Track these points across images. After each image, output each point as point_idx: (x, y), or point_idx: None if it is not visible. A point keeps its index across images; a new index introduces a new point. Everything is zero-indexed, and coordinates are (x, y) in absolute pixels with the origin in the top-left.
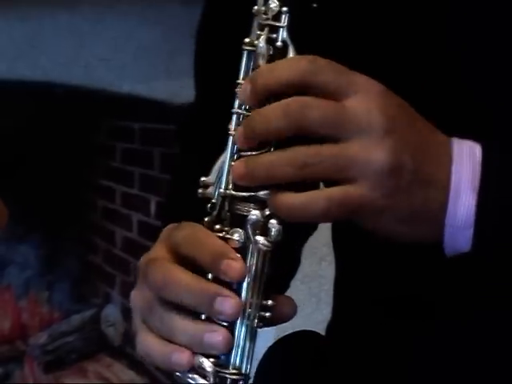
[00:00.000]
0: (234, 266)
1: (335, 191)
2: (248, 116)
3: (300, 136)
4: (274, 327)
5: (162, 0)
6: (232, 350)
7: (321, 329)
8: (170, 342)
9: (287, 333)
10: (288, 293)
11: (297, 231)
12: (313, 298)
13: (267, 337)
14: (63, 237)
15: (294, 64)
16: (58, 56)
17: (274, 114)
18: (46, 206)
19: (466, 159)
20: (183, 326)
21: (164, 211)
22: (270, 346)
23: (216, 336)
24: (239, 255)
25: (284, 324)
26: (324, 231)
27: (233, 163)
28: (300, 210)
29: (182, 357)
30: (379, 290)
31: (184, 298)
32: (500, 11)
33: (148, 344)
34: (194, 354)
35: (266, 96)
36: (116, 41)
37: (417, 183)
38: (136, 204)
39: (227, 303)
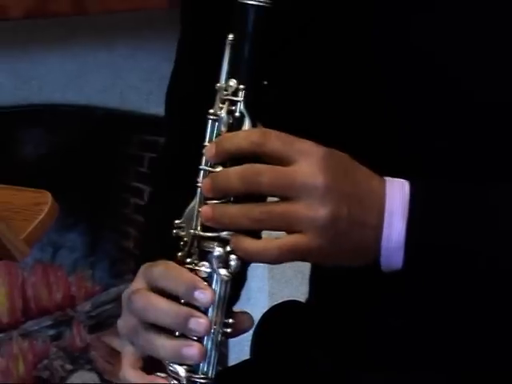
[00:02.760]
0: (205, 293)
1: (286, 241)
2: (211, 172)
3: None
4: (268, 297)
5: None
6: None
7: (304, 298)
8: (153, 358)
9: (279, 302)
10: (279, 271)
11: None
12: (298, 274)
13: (262, 304)
14: (103, 227)
15: (248, 136)
16: (99, 85)
17: (233, 177)
18: (90, 203)
19: (396, 192)
20: (163, 343)
21: (141, 249)
22: (265, 312)
23: (192, 349)
24: (207, 285)
25: (277, 294)
26: None
27: (200, 209)
28: (256, 255)
29: None
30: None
31: (162, 320)
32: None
33: (127, 375)
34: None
35: (226, 158)
36: (145, 72)
37: (353, 227)
38: None
39: (199, 322)
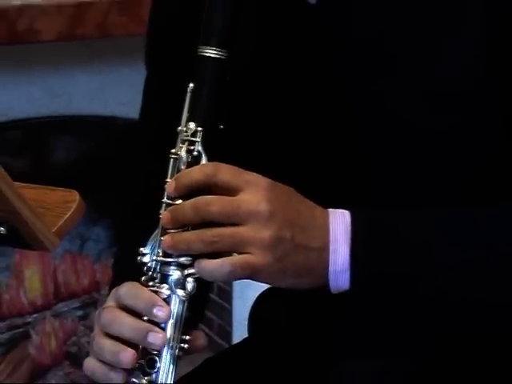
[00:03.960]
0: (162, 310)
1: (238, 258)
2: (172, 205)
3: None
4: None
5: None
6: (160, 371)
7: None
8: (103, 361)
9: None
10: None
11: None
12: None
13: (261, 288)
14: None
15: (202, 168)
16: (121, 98)
17: (187, 208)
18: (112, 200)
19: (339, 222)
20: (111, 347)
21: (114, 273)
22: (259, 295)
23: (123, 354)
24: (165, 303)
25: None
26: None
27: (162, 238)
28: (213, 272)
29: (116, 375)
30: None
31: (125, 333)
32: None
33: (91, 365)
34: (128, 372)
35: (185, 191)
36: None
37: (297, 249)
38: None
39: (157, 336)
